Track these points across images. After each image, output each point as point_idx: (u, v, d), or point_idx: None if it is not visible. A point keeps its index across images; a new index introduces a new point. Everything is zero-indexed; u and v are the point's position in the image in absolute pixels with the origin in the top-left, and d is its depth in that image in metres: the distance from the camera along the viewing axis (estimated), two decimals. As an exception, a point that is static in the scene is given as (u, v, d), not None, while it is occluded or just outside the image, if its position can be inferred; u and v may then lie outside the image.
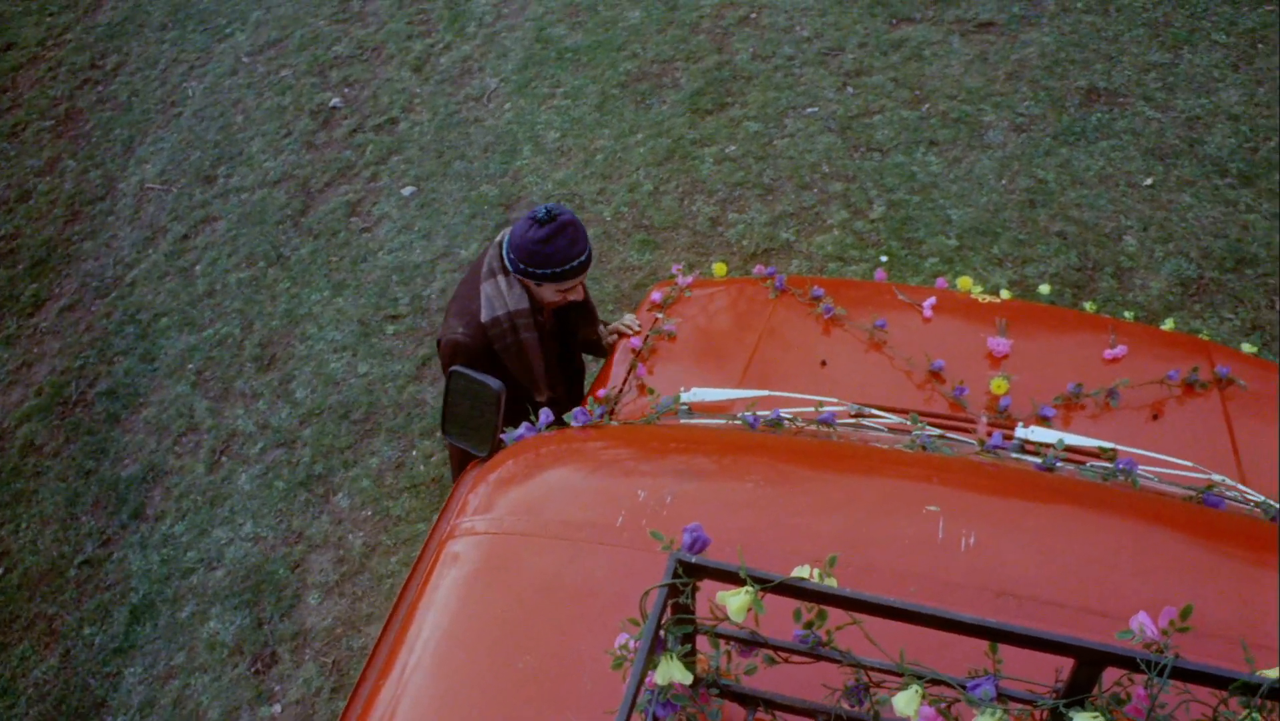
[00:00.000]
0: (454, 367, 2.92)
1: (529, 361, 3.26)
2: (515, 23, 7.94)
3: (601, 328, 3.63)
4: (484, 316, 3.14)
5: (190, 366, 5.86)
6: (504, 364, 3.23)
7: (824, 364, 3.20)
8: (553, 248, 3.02)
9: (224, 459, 5.32)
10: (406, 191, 6.63)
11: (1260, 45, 6.49)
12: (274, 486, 5.10)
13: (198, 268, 6.49)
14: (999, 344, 3.19)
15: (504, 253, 3.15)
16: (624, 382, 3.23)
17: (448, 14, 8.18)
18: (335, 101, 7.52)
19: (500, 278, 3.15)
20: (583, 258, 3.09)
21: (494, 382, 2.77)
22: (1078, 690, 1.32)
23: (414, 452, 5.09)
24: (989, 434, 2.73)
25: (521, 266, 3.07)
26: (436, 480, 4.93)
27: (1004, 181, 5.84)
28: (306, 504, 4.99)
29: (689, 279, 3.71)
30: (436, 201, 6.51)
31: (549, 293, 3.17)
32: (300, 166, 7.03)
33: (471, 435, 2.85)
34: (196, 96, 8.01)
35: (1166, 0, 6.92)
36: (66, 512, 5.31)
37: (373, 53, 7.97)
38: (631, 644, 1.47)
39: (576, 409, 2.47)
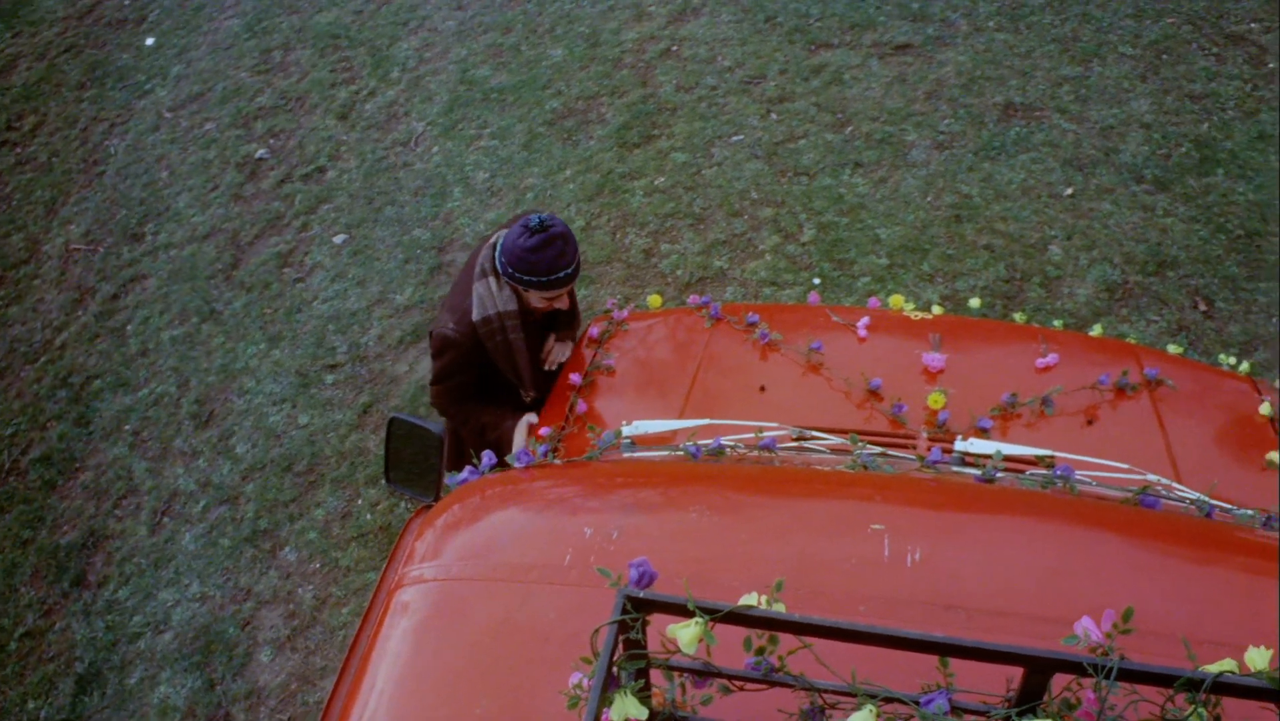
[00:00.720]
0: (393, 415, 2.91)
1: (516, 361, 3.34)
2: (439, 66, 7.95)
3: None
4: (475, 315, 3.22)
5: (127, 428, 5.76)
6: (493, 361, 3.31)
7: (763, 389, 3.22)
8: (541, 257, 3.08)
9: (166, 519, 5.23)
10: (338, 239, 6.60)
11: (1165, 56, 6.69)
12: (219, 544, 5.02)
13: (129, 327, 6.39)
14: (934, 359, 3.23)
15: (496, 255, 3.21)
16: (565, 420, 3.23)
17: (371, 60, 8.17)
18: (261, 153, 7.47)
19: (491, 279, 3.22)
20: (569, 269, 3.14)
21: (434, 427, 2.76)
22: (1029, 697, 1.35)
23: (360, 502, 5.05)
24: (929, 449, 2.76)
25: (510, 271, 3.14)
26: (384, 528, 4.89)
27: (930, 199, 5.94)
28: (253, 560, 4.92)
29: (625, 312, 3.72)
30: (369, 248, 6.48)
31: (535, 299, 3.23)
32: (229, 219, 6.97)
33: (415, 481, 2.84)
34: (119, 154, 7.92)
35: (1073, 16, 7.11)
36: (4, 584, 5.18)
37: (297, 102, 7.94)
38: (585, 682, 1.47)
39: (519, 450, 2.47)
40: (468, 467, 2.47)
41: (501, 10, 8.42)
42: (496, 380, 3.44)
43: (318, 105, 7.84)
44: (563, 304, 3.31)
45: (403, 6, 8.76)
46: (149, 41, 9.10)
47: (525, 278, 3.13)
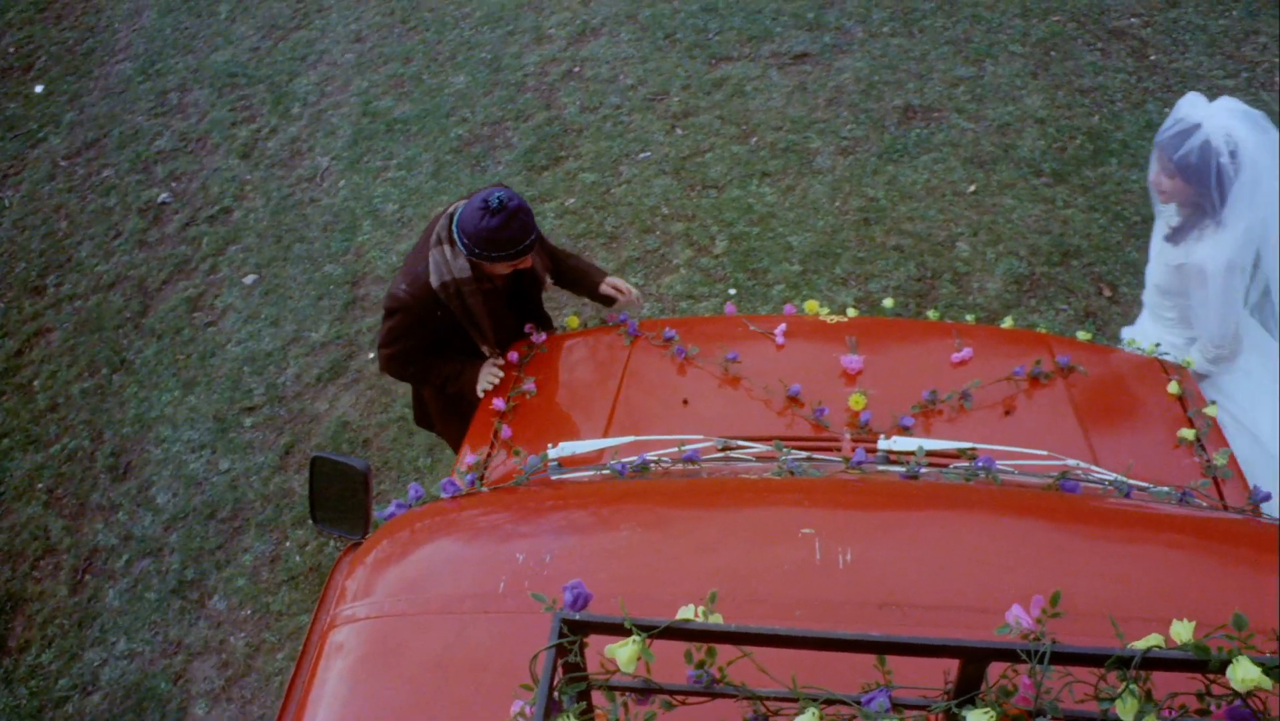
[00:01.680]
0: (316, 454, 2.86)
1: (478, 323, 3.51)
2: (340, 99, 7.89)
3: (604, 283, 3.85)
4: (433, 281, 3.37)
5: (39, 486, 5.60)
6: (451, 321, 3.49)
7: (686, 403, 3.24)
8: (506, 234, 3.21)
9: (87, 577, 5.09)
10: (248, 280, 6.50)
11: (1053, 53, 6.88)
12: (145, 598, 4.90)
13: (36, 382, 6.22)
14: (852, 361, 3.28)
15: (453, 229, 3.34)
16: (491, 447, 3.22)
17: (270, 97, 8.08)
18: (164, 197, 7.33)
19: (447, 247, 3.37)
20: (532, 237, 3.29)
21: (359, 463, 2.73)
22: (967, 688, 1.37)
23: (288, 544, 4.97)
24: (853, 450, 2.80)
25: (475, 250, 3.27)
26: (314, 569, 4.81)
27: (837, 203, 6.03)
28: (181, 611, 4.81)
29: (543, 335, 3.73)
30: (281, 287, 6.39)
31: (501, 268, 3.36)
32: (134, 266, 6.83)
33: (343, 520, 2.80)
34: (14, 206, 7.71)
35: (964, 18, 7.28)
36: (-80, 658, 5.01)
37: (197, 143, 7.81)
38: (527, 710, 1.46)
39: (445, 480, 2.46)
40: (394, 502, 2.45)
41: (400, 40, 8.38)
42: (458, 340, 3.60)
43: (219, 145, 7.72)
44: (526, 264, 3.43)
45: (300, 42, 8.68)
46: (38, 89, 8.89)
47: (491, 254, 3.26)
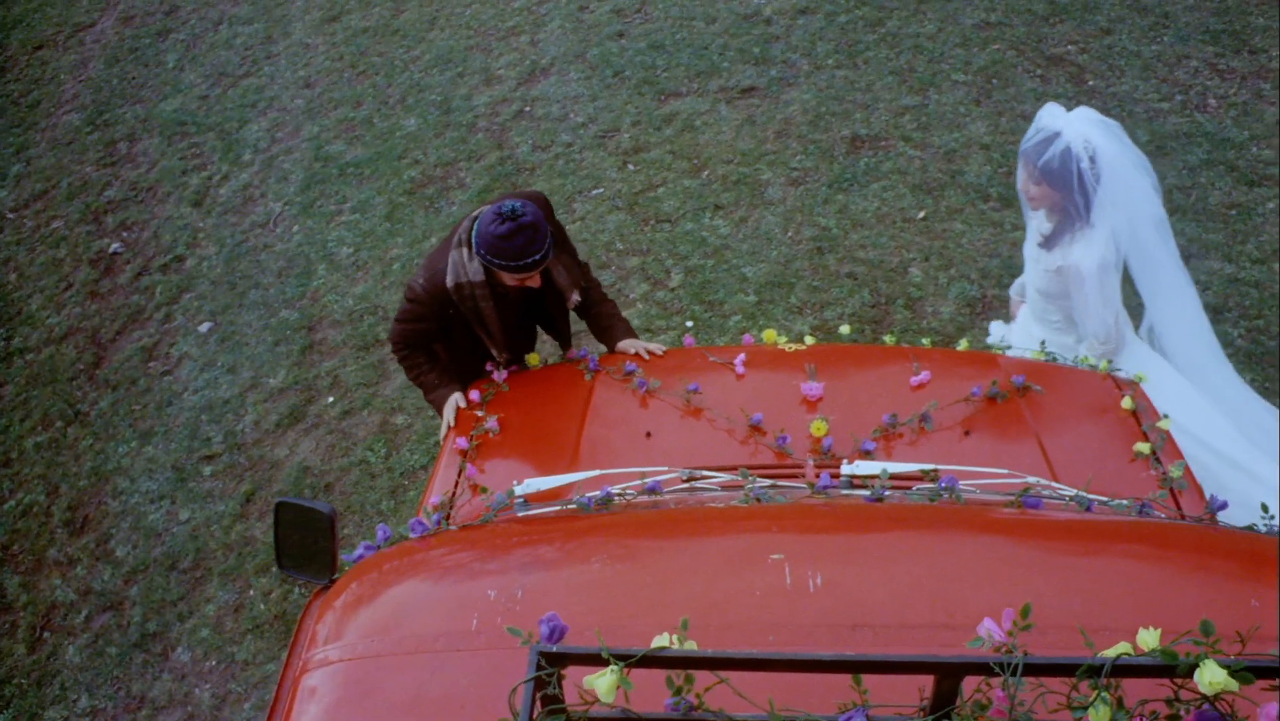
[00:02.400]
0: (279, 499, 2.84)
1: (487, 326, 3.58)
2: (292, 144, 7.88)
3: (627, 343, 3.81)
4: (449, 281, 3.44)
5: (-6, 544, 5.51)
6: (464, 322, 3.59)
7: (649, 435, 3.26)
8: (510, 244, 3.26)
9: (46, 634, 5.01)
10: (204, 328, 6.46)
11: (995, 80, 7.02)
12: (106, 653, 4.82)
13: (-12, 439, 6.14)
14: (812, 388, 3.32)
15: (473, 230, 3.39)
16: (456, 486, 3.22)
17: (220, 144, 8.06)
18: (115, 247, 7.28)
19: (465, 249, 3.43)
20: (537, 257, 3.32)
21: (323, 507, 2.71)
22: (943, 703, 1.39)
23: (252, 592, 4.91)
24: (817, 475, 2.83)
25: (482, 252, 3.33)
26: (280, 616, 4.76)
27: (790, 234, 6.10)
28: (144, 665, 4.74)
29: (504, 373, 3.74)
30: (236, 334, 6.36)
31: (507, 278, 3.41)
32: (87, 318, 6.77)
33: (309, 564, 2.77)
34: (-38, 262, 7.63)
35: (907, 49, 7.41)
36: (-126, 725, 4.90)
37: (148, 192, 7.77)
38: (507, 744, 1.46)
39: (412, 520, 2.46)
40: (363, 544, 2.44)
41: (350, 85, 8.40)
42: (468, 339, 3.69)
43: (170, 194, 7.68)
44: (534, 283, 3.48)
45: (249, 89, 8.67)
46: (-16, 143, 8.82)
47: (495, 261, 3.31)
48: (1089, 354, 3.69)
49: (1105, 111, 6.37)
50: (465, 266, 3.43)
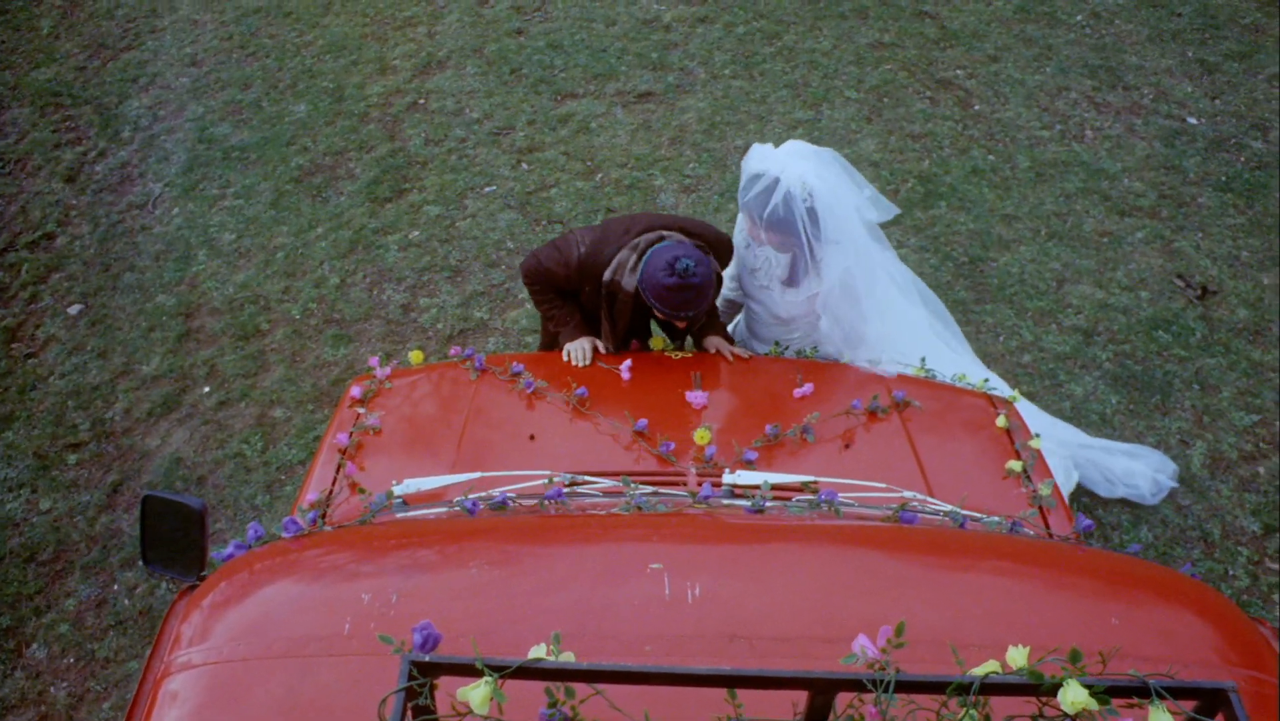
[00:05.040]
0: (147, 492, 2.76)
1: (615, 321, 3.66)
2: (174, 124, 7.65)
3: (713, 341, 3.84)
4: (606, 273, 3.54)
5: None
6: (595, 300, 3.66)
7: (533, 438, 3.25)
8: (673, 297, 3.36)
9: (-111, 627, 4.77)
10: (73, 310, 6.22)
11: (886, 99, 7.17)
12: (-47, 648, 4.61)
13: None
14: (697, 397, 3.34)
15: (645, 255, 3.46)
16: (333, 484, 3.16)
17: (98, 119, 7.77)
18: (-20, 221, 6.97)
19: (634, 260, 3.49)
20: (691, 314, 3.47)
21: (194, 501, 2.63)
22: (817, 718, 1.41)
23: (116, 587, 4.75)
24: (699, 484, 2.84)
25: (644, 287, 3.43)
26: (145, 612, 4.61)
27: (681, 240, 6.13)
28: (-6, 661, 4.55)
29: (387, 370, 3.68)
30: (109, 317, 6.14)
31: (657, 312, 3.51)
32: (-54, 295, 6.47)
33: (176, 561, 2.69)
34: None
35: (802, 64, 7.53)
36: None
37: (16, 165, 7.45)
38: (376, 755, 1.44)
39: (286, 519, 2.40)
40: (233, 542, 2.38)
41: (239, 66, 8.19)
42: (586, 311, 3.78)
43: (41, 167, 7.38)
44: (680, 325, 3.61)
45: (131, 63, 8.39)
46: None
47: (653, 302, 3.42)
48: (839, 356, 3.75)
49: (989, 136, 6.57)
50: (625, 274, 3.49)
